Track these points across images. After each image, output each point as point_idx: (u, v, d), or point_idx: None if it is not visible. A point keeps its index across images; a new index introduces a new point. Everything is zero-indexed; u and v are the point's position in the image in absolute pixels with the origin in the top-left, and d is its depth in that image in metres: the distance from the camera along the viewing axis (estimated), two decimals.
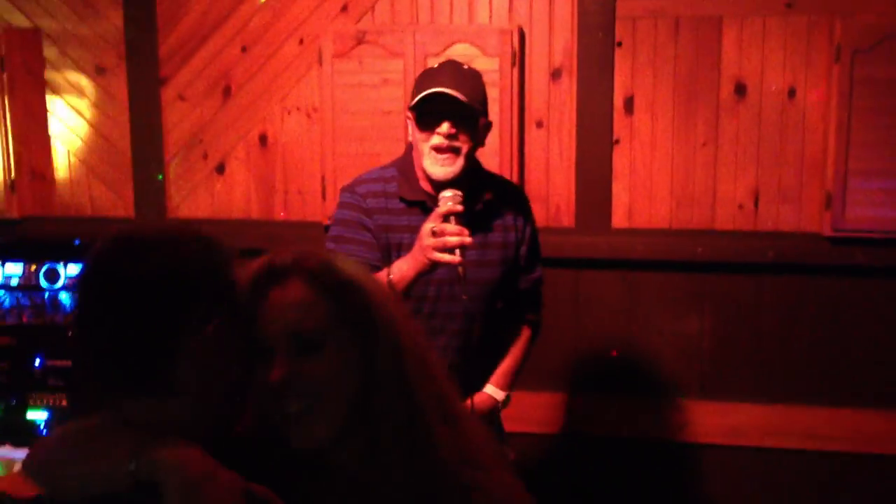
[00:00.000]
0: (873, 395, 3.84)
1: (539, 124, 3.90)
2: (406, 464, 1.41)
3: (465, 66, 2.68)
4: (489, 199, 2.72)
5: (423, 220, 2.54)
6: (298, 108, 4.08)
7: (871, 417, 3.84)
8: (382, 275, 2.49)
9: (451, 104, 2.51)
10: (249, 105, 4.13)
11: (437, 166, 2.55)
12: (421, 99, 2.53)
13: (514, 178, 3.75)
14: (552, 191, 3.94)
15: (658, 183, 3.89)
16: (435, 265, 2.44)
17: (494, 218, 2.75)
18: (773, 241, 3.80)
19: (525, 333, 2.96)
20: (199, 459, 1.29)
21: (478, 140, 2.65)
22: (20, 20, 4.21)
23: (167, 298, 1.32)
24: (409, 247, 2.56)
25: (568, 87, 3.87)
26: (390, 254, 2.62)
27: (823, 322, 3.84)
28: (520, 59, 3.78)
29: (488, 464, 1.50)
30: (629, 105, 3.85)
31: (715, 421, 3.93)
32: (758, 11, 3.73)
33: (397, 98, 3.76)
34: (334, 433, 1.43)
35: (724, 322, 3.91)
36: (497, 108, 3.71)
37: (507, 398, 2.88)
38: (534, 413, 4.01)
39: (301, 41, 4.03)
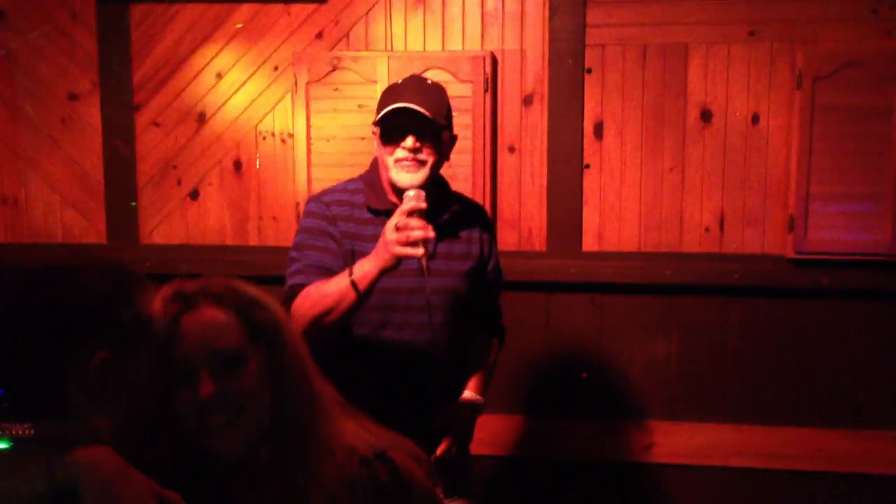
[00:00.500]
0: (837, 414, 3.92)
1: (511, 149, 3.97)
2: (317, 460, 1.57)
3: (429, 81, 2.70)
4: (455, 210, 2.76)
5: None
6: (273, 134, 4.11)
7: (835, 437, 3.92)
8: (343, 276, 2.47)
9: (415, 118, 2.54)
10: (224, 131, 4.15)
11: (403, 174, 2.56)
12: (385, 114, 2.56)
13: (487, 202, 3.81)
14: (524, 215, 4.00)
15: (627, 207, 3.96)
16: (399, 261, 2.41)
17: (459, 229, 2.78)
18: (739, 264, 3.89)
19: (494, 343, 3.01)
20: (111, 457, 1.34)
21: (442, 153, 2.67)
22: None
23: (54, 330, 1.38)
24: (365, 255, 2.54)
25: (539, 113, 3.94)
26: (354, 261, 2.57)
27: (788, 342, 3.93)
28: (492, 84, 3.85)
29: (391, 444, 1.67)
30: (599, 131, 3.93)
31: (681, 441, 3.99)
32: (722, 39, 3.83)
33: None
34: (255, 440, 1.54)
35: (690, 343, 3.98)
36: (470, 134, 3.79)
37: (483, 404, 2.90)
38: (502, 436, 4.05)
39: (276, 68, 4.06)
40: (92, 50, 4.17)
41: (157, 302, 1.51)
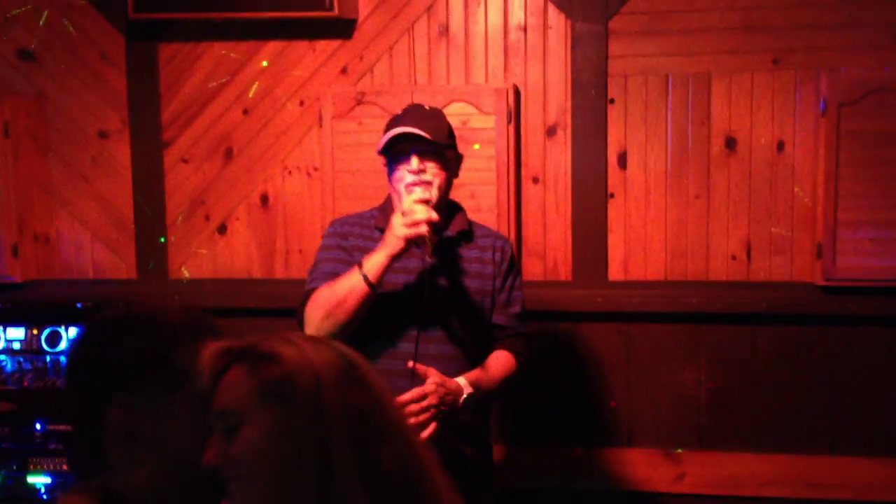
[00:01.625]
0: (870, 442, 3.88)
1: (535, 180, 3.98)
2: None
3: (427, 107, 2.85)
4: (464, 229, 2.85)
5: None
6: (299, 168, 4.15)
7: (868, 465, 3.87)
8: (353, 270, 2.59)
9: (416, 142, 2.67)
10: (251, 166, 4.19)
11: (413, 196, 2.63)
12: (389, 143, 2.70)
13: (512, 233, 3.82)
14: (549, 245, 4.01)
15: (652, 236, 3.96)
16: (406, 246, 2.55)
17: (470, 249, 2.86)
18: (767, 292, 3.86)
19: (507, 357, 2.86)
20: None
21: (450, 171, 2.79)
22: (26, 87, 4.28)
23: (89, 382, 1.43)
24: None
25: (563, 144, 3.96)
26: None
27: (819, 370, 3.89)
28: (516, 116, 3.88)
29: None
30: (622, 160, 3.94)
31: (712, 471, 3.95)
32: (746, 68, 3.84)
33: None
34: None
35: (720, 372, 3.95)
36: (494, 165, 3.80)
37: (471, 396, 2.66)
38: (529, 466, 4.04)
39: (301, 103, 4.11)
40: (121, 88, 4.24)
41: (206, 356, 1.44)
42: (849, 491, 3.88)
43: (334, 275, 2.67)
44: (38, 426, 3.76)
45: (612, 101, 3.92)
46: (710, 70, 3.86)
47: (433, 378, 2.57)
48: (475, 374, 2.74)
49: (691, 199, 3.92)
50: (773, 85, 3.83)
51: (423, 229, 2.52)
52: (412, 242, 2.57)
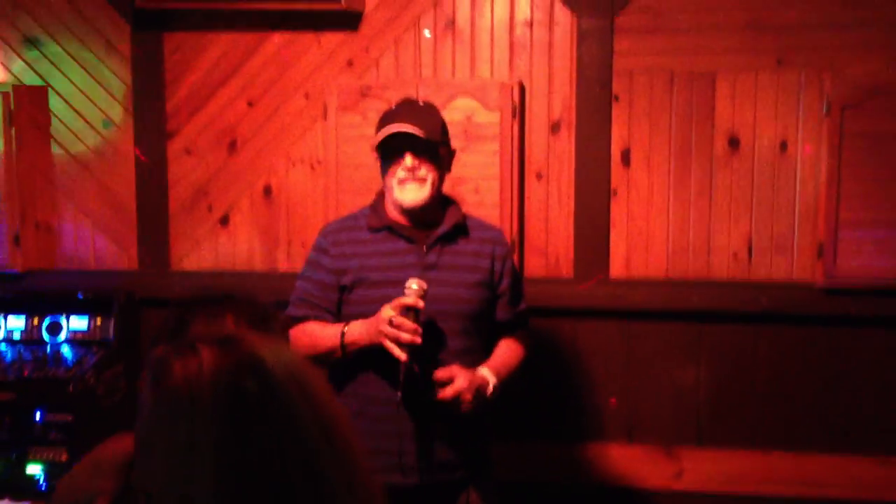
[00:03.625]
0: (868, 441, 3.89)
1: (539, 176, 3.99)
2: None
3: (421, 102, 2.89)
4: (458, 223, 2.87)
5: (385, 244, 2.79)
6: (303, 161, 4.15)
7: (865, 464, 3.89)
8: (336, 328, 2.70)
9: (411, 139, 2.70)
10: (254, 158, 4.19)
11: (406, 193, 2.74)
12: (382, 139, 2.73)
13: (514, 229, 3.82)
14: (551, 241, 4.01)
15: (654, 233, 3.97)
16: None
17: (464, 243, 2.88)
18: (767, 291, 3.87)
19: (516, 345, 2.98)
20: None
21: (443, 168, 2.84)
22: (31, 78, 4.27)
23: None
24: (366, 268, 2.78)
25: (567, 140, 3.96)
26: (346, 274, 2.80)
27: (818, 370, 3.90)
28: (520, 112, 3.88)
29: None
30: (626, 157, 3.95)
31: (711, 469, 3.97)
32: (750, 67, 3.84)
33: None
34: None
35: (720, 370, 3.96)
36: (498, 160, 3.81)
37: (497, 388, 2.77)
38: (528, 461, 4.05)
39: (306, 95, 4.11)
40: (126, 78, 4.24)
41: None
42: (847, 490, 3.89)
43: (306, 301, 2.84)
44: (37, 416, 3.74)
45: (616, 97, 3.92)
46: (715, 69, 3.87)
47: (463, 375, 2.65)
48: (493, 363, 2.82)
49: (694, 198, 3.92)
50: (777, 85, 3.84)
51: (403, 356, 2.54)
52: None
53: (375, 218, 2.85)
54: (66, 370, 3.84)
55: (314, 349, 2.70)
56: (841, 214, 3.72)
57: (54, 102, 4.29)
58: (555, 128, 3.97)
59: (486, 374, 2.75)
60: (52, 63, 4.27)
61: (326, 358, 2.70)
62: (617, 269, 3.99)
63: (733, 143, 3.88)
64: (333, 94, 3.92)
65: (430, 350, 2.68)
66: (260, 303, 1.74)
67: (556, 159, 3.98)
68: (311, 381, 1.26)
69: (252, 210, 4.23)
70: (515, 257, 3.66)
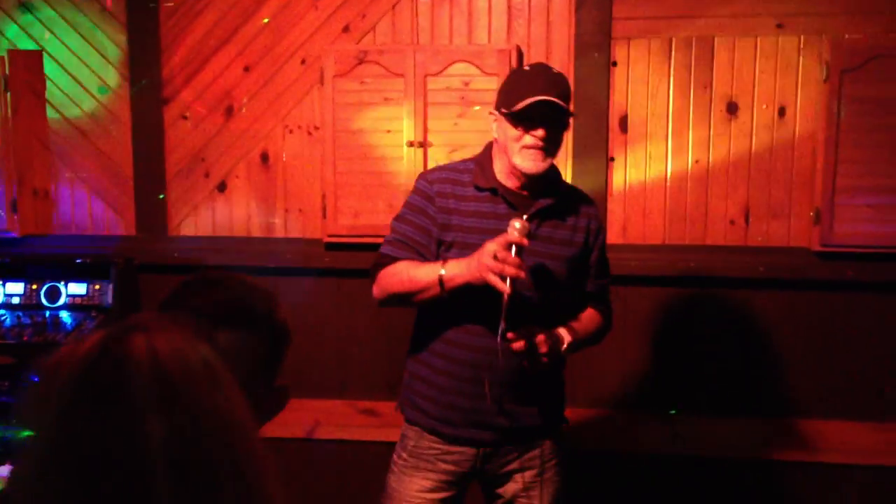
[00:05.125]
0: (863, 406, 3.92)
1: None
2: None
3: (554, 70, 2.78)
4: (561, 197, 2.82)
5: (489, 206, 2.75)
6: (300, 127, 4.14)
7: (861, 429, 3.92)
8: (435, 268, 2.64)
9: (549, 109, 2.63)
10: (251, 124, 4.18)
11: (529, 161, 2.68)
12: (526, 105, 2.63)
13: None
14: None
15: (652, 200, 3.97)
16: (485, 283, 2.52)
17: (564, 215, 2.84)
18: (764, 257, 3.89)
19: (596, 314, 2.98)
20: None
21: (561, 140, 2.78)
22: (26, 43, 4.25)
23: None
24: (465, 229, 2.74)
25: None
26: (449, 231, 2.77)
27: (813, 335, 3.93)
28: None
29: None
30: (624, 124, 3.94)
31: (706, 434, 4.00)
32: (749, 32, 3.83)
33: (398, 117, 3.84)
34: None
35: (715, 336, 3.99)
36: (495, 128, 3.79)
37: (570, 346, 2.79)
38: None
39: (303, 61, 4.10)
40: (122, 43, 4.22)
41: None
42: (841, 455, 3.93)
43: (407, 243, 2.78)
44: (36, 381, 3.76)
45: (614, 63, 3.91)
46: (714, 34, 3.85)
47: (540, 330, 2.66)
48: (571, 325, 2.82)
49: (691, 164, 3.92)
50: (776, 50, 3.82)
51: (507, 288, 2.48)
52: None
53: (483, 177, 2.79)
54: (65, 335, 3.86)
55: (411, 285, 2.68)
56: (838, 180, 3.72)
57: (50, 68, 4.27)
58: None
59: (563, 332, 2.77)
60: (46, 27, 4.25)
61: (422, 296, 2.67)
62: (614, 234, 3.99)
63: (731, 108, 3.87)
64: (330, 60, 3.90)
65: (520, 313, 2.65)
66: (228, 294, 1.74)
67: None
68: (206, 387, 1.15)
69: (249, 176, 4.22)
70: None
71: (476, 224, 2.74)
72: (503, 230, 2.59)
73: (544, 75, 2.72)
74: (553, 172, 2.83)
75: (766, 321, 3.95)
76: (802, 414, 3.95)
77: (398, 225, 2.84)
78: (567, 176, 3.96)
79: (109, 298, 4.04)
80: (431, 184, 2.83)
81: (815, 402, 3.95)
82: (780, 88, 3.84)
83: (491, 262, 2.48)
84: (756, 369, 3.97)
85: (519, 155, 2.68)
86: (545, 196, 2.78)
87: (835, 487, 3.96)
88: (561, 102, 2.63)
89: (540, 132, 2.65)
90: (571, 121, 2.77)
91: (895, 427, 3.91)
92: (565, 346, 2.76)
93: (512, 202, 2.76)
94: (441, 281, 2.61)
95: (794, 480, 3.98)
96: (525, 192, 2.78)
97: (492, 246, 2.50)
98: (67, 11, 4.22)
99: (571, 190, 2.96)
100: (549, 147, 2.69)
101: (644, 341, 4.03)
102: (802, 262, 3.86)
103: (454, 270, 2.60)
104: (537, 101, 2.61)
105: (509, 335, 2.60)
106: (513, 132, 2.69)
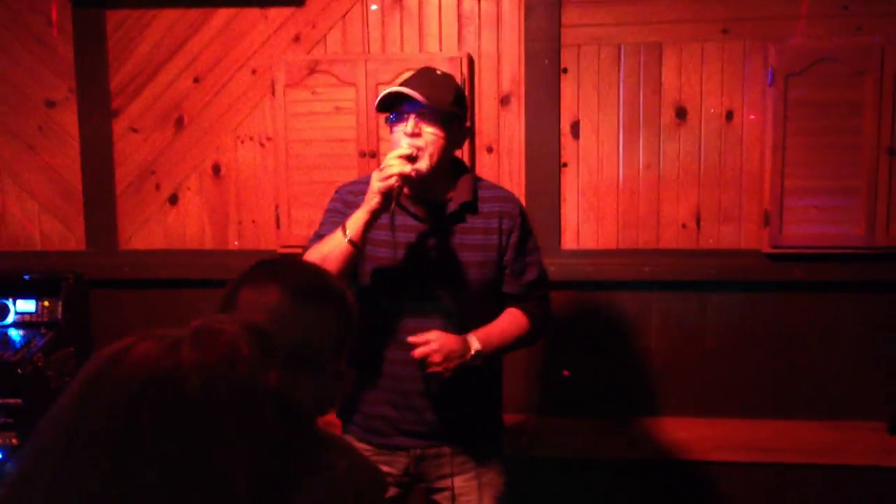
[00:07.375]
0: (816, 406, 3.97)
1: (489, 149, 4.00)
2: None
3: (438, 72, 2.76)
4: (466, 201, 2.75)
5: (400, 218, 2.72)
6: (251, 138, 4.12)
7: (814, 428, 3.95)
8: (338, 235, 2.58)
9: (416, 104, 2.59)
10: (202, 135, 4.15)
11: (399, 149, 2.60)
12: (391, 102, 2.63)
13: None
14: None
15: (605, 205, 4.00)
16: (385, 202, 2.53)
17: (473, 220, 2.77)
18: (715, 259, 3.93)
19: (518, 315, 2.84)
20: None
21: (450, 139, 2.67)
22: None
23: None
24: (373, 242, 2.69)
25: (516, 113, 3.97)
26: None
27: (765, 336, 3.98)
28: (469, 86, 3.87)
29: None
30: (575, 130, 3.97)
31: (662, 437, 4.02)
32: (696, 37, 3.88)
33: (350, 126, 3.84)
34: None
35: (669, 339, 4.02)
36: None
37: (478, 353, 2.68)
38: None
39: (253, 71, 4.08)
40: (69, 56, 4.16)
41: None
42: (794, 454, 3.95)
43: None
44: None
45: (565, 70, 3.94)
46: (662, 40, 3.90)
47: (436, 339, 2.60)
48: (483, 330, 2.72)
49: (643, 169, 3.96)
50: (722, 55, 3.88)
51: (393, 181, 2.50)
52: (388, 196, 2.53)
53: None
54: (13, 353, 3.79)
55: (327, 254, 2.57)
56: (786, 182, 3.78)
57: None
58: (504, 101, 3.97)
59: (470, 339, 2.67)
60: None
61: (337, 257, 2.57)
62: (568, 240, 4.01)
63: (680, 113, 3.92)
64: (281, 70, 3.89)
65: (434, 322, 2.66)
66: (307, 272, 1.84)
67: (507, 133, 3.99)
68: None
69: (201, 188, 4.19)
70: None
71: (384, 237, 2.71)
72: (411, 242, 2.67)
73: (418, 74, 2.73)
74: (458, 175, 2.79)
75: (718, 323, 3.98)
76: (754, 414, 3.99)
77: (317, 233, 2.79)
78: (520, 182, 3.98)
79: (59, 315, 3.98)
80: (342, 196, 2.83)
81: (766, 401, 3.99)
82: (727, 93, 3.89)
83: (378, 174, 2.53)
84: (708, 371, 4.00)
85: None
86: (448, 198, 2.75)
87: (792, 486, 3.98)
88: (413, 93, 2.57)
89: (410, 124, 2.60)
90: (459, 124, 2.72)
91: (849, 426, 3.95)
92: (472, 352, 2.66)
93: (413, 212, 2.72)
94: (344, 232, 2.57)
95: (748, 481, 4.00)
96: (433, 199, 2.73)
97: (376, 173, 2.55)
98: (12, 23, 4.17)
99: (488, 190, 2.86)
100: (422, 144, 2.60)
101: (599, 345, 4.04)
102: (753, 264, 3.91)
103: (353, 217, 2.59)
104: (396, 94, 2.60)
105: (409, 339, 2.60)
106: (391, 134, 2.68)
